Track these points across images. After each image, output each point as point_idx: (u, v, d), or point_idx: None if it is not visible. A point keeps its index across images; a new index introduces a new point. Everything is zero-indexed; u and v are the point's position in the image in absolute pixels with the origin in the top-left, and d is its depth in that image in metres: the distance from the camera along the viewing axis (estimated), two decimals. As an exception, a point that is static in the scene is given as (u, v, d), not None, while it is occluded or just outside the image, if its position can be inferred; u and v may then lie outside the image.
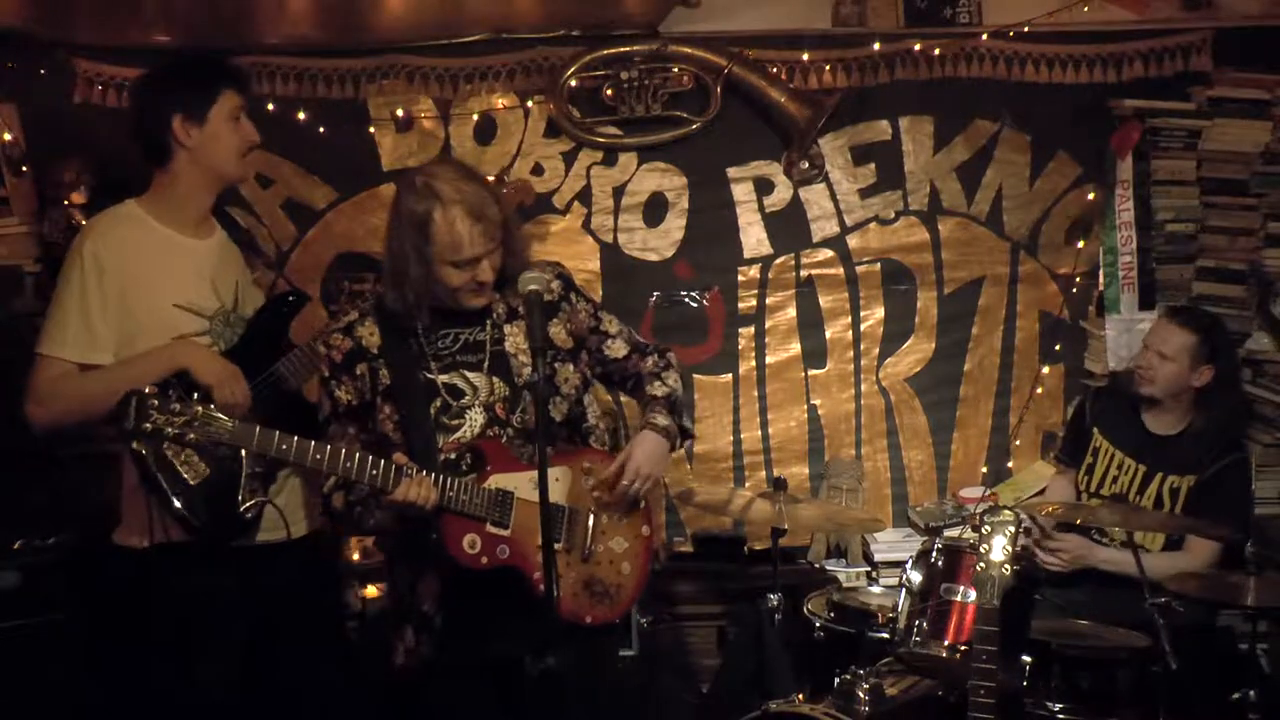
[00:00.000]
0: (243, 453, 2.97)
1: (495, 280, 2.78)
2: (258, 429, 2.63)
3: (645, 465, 2.80)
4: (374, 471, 2.63)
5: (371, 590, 4.11)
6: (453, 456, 2.74)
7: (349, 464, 2.63)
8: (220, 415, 2.60)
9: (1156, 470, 3.84)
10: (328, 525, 3.13)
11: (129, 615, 3.05)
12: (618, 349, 2.99)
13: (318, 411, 2.89)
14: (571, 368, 2.89)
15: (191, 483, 2.93)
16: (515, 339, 2.83)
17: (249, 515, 3.01)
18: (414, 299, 2.74)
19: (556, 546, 2.74)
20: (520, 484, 2.72)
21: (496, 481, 2.72)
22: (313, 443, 2.66)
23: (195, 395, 2.63)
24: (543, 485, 2.49)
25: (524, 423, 2.79)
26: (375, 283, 4.13)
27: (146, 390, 2.55)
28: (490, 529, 2.69)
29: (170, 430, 2.53)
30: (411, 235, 2.70)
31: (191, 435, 2.56)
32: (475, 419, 2.78)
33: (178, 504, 2.90)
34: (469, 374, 2.80)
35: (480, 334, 2.82)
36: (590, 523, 2.83)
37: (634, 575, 2.87)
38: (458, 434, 2.77)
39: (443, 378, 2.79)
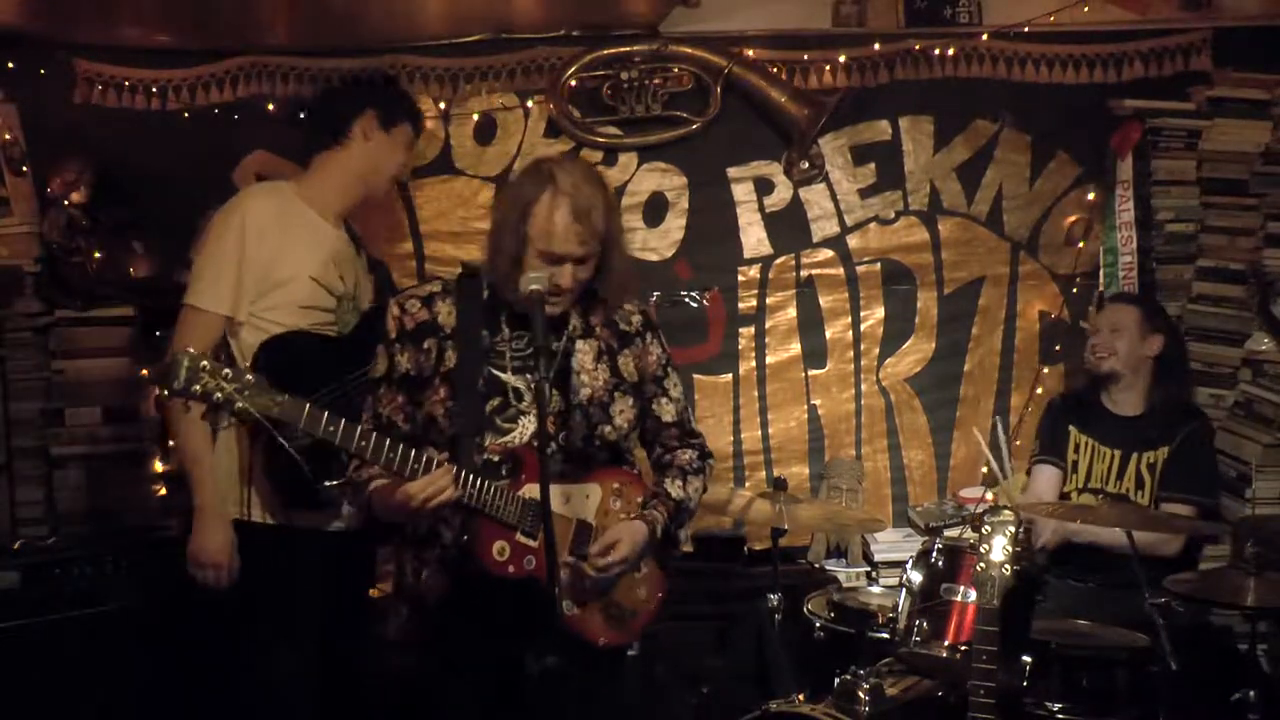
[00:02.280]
0: None
1: (579, 295, 2.75)
2: (308, 406, 2.58)
3: (627, 553, 2.73)
4: (415, 466, 2.59)
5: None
6: (495, 459, 2.70)
7: (392, 455, 2.59)
8: (271, 388, 2.54)
9: (1131, 451, 3.95)
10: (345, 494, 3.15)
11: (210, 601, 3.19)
12: (667, 412, 2.92)
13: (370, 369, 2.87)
14: (630, 401, 2.84)
15: (293, 448, 2.99)
16: (583, 357, 2.79)
17: (333, 493, 3.06)
18: (502, 277, 2.71)
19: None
20: (552, 497, 2.64)
21: (529, 492, 2.67)
22: (359, 428, 2.61)
23: (246, 365, 2.67)
24: (544, 485, 2.48)
25: (568, 441, 2.75)
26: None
27: (196, 351, 2.53)
28: (520, 538, 2.66)
29: (219, 395, 2.47)
30: (515, 212, 2.69)
31: (240, 403, 2.49)
32: (528, 426, 2.74)
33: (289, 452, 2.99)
34: (533, 380, 2.75)
35: (554, 344, 2.76)
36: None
37: (650, 601, 2.85)
38: (507, 437, 2.74)
39: (510, 378, 2.76)
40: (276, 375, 2.59)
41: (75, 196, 4.22)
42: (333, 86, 3.46)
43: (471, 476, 2.61)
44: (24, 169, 4.26)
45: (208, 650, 3.28)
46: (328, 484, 3.03)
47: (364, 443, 2.59)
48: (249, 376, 2.52)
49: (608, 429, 2.80)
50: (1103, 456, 4.00)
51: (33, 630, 3.58)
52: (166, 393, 2.47)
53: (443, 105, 4.54)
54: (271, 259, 3.19)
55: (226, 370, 2.49)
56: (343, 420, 2.60)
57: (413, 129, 3.42)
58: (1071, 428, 4.07)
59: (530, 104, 4.56)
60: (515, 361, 2.77)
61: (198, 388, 2.47)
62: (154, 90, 4.38)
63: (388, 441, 2.61)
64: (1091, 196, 4.70)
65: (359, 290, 3.37)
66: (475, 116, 4.56)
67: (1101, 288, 4.63)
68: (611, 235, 2.74)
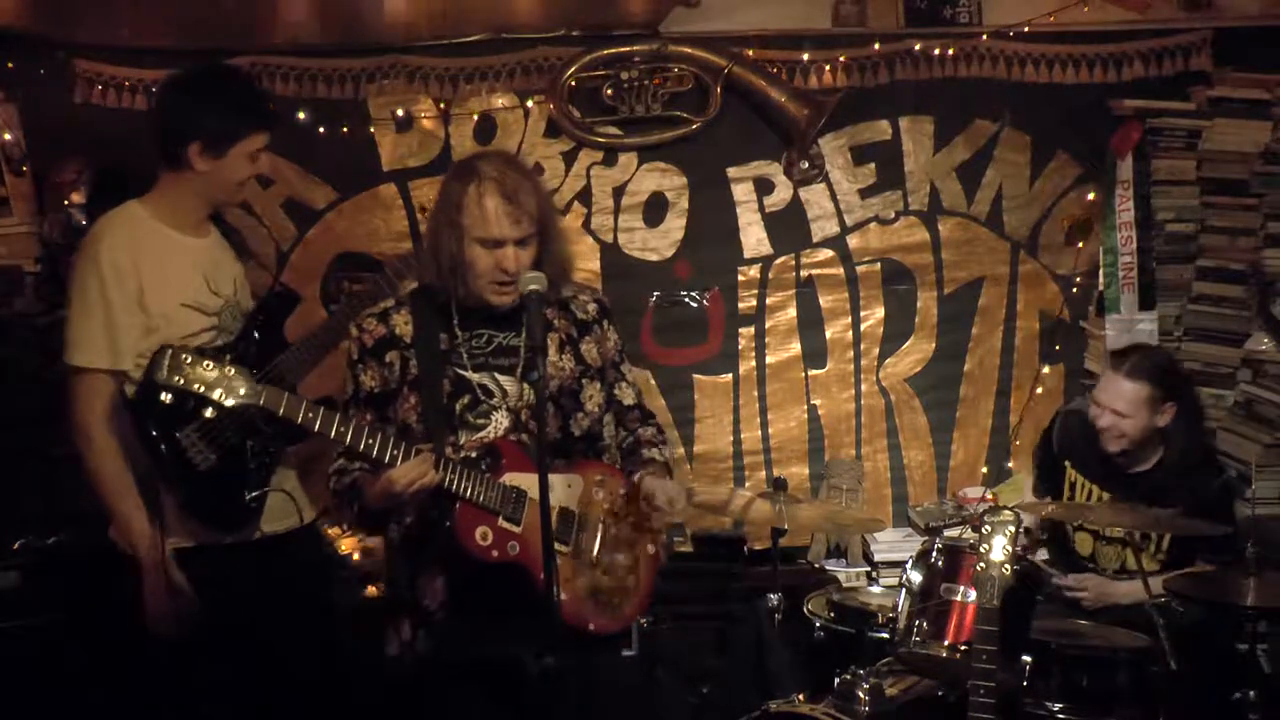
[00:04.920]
0: (248, 443, 3.01)
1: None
2: (287, 395, 2.62)
3: (672, 495, 2.85)
4: (395, 452, 2.65)
5: (371, 590, 4.11)
6: (474, 455, 2.75)
7: (371, 440, 2.65)
8: (248, 377, 2.58)
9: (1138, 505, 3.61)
10: (331, 505, 3.12)
11: (131, 619, 3.08)
12: (628, 396, 3.03)
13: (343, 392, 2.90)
14: (598, 386, 2.92)
15: (200, 469, 2.96)
16: (548, 349, 2.85)
17: (253, 505, 3.05)
18: (449, 277, 2.76)
19: (564, 550, 2.76)
20: (533, 485, 2.70)
21: (510, 480, 2.73)
22: (337, 414, 2.68)
23: (228, 357, 2.65)
24: (543, 481, 2.50)
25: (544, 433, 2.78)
26: (375, 282, 4.12)
27: (179, 344, 2.57)
28: (502, 524, 2.71)
29: (198, 387, 2.52)
30: (448, 210, 2.75)
31: (220, 394, 2.55)
32: (500, 421, 2.80)
33: (185, 489, 2.97)
34: (500, 376, 2.82)
35: (514, 339, 2.83)
36: (600, 532, 2.85)
37: (639, 588, 2.90)
38: (481, 433, 2.79)
39: (475, 376, 2.81)
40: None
41: (75, 196, 4.22)
42: (160, 110, 3.22)
43: (450, 463, 2.66)
44: (24, 169, 4.26)
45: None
46: (249, 495, 3.04)
47: (343, 429, 2.64)
48: (230, 369, 2.56)
49: (580, 415, 2.86)
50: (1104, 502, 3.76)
51: (33, 630, 3.57)
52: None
53: (443, 105, 4.54)
54: (139, 298, 3.01)
55: (208, 361, 2.53)
56: (321, 408, 2.64)
57: (263, 133, 3.14)
58: (1067, 464, 3.89)
59: (530, 104, 4.55)
60: (476, 359, 2.82)
61: (179, 379, 2.50)
62: (154, 90, 4.37)
63: (366, 428, 2.67)
64: (1091, 196, 4.70)
65: (238, 293, 3.23)
66: (475, 116, 4.56)
67: (1101, 287, 4.64)
68: (546, 217, 2.80)
